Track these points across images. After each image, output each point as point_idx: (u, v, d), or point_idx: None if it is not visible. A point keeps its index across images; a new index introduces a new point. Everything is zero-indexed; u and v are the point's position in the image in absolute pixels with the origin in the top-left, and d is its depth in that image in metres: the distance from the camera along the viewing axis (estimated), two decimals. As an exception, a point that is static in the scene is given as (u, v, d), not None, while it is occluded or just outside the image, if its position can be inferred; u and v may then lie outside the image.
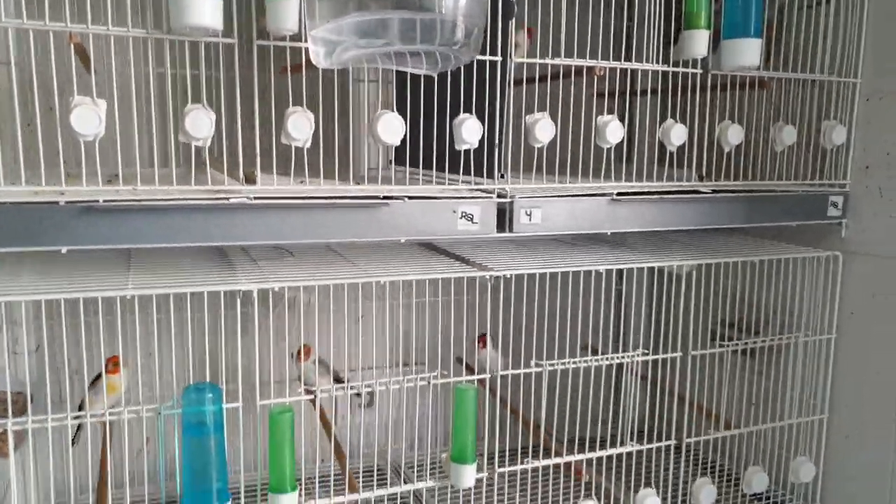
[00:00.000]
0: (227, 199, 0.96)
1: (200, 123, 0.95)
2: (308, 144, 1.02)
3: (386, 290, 1.57)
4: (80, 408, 1.18)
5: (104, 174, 0.97)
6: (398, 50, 0.84)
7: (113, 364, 1.21)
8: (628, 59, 1.23)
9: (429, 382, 1.13)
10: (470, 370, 1.43)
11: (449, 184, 1.20)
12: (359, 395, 1.14)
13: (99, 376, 1.20)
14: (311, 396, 1.06)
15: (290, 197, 1.01)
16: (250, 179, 1.04)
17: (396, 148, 1.08)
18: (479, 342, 1.45)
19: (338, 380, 1.39)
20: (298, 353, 1.37)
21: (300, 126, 0.99)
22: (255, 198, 0.98)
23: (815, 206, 1.44)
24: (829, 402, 1.52)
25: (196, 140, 0.96)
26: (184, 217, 0.95)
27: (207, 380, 1.07)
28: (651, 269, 1.36)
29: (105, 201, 0.92)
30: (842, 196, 1.46)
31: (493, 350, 1.44)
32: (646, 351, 1.32)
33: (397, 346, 1.66)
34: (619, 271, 1.77)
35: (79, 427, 1.29)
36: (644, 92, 1.63)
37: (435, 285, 1.20)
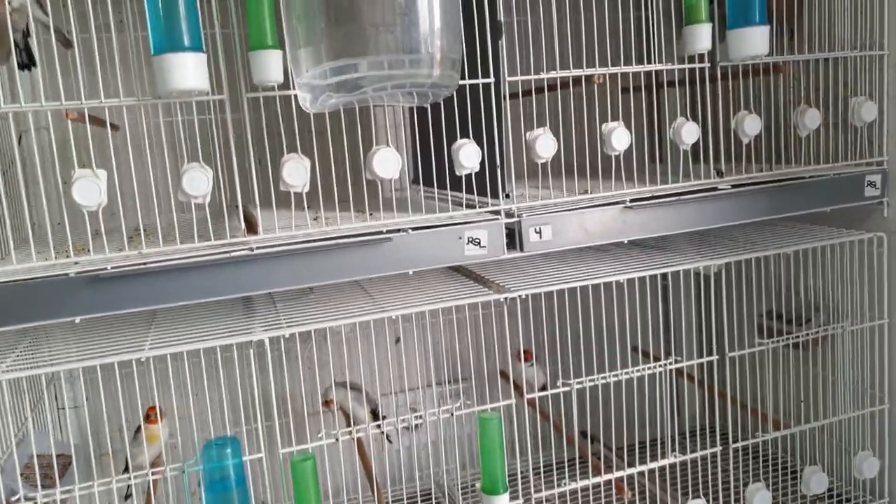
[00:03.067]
0: (229, 253, 0.97)
1: (198, 182, 0.96)
2: (307, 188, 1.03)
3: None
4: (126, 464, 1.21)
5: (129, 229, 0.99)
6: (374, 95, 0.83)
7: (154, 414, 1.25)
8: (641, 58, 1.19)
9: (452, 414, 1.11)
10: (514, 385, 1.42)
11: (466, 205, 1.18)
12: (383, 433, 1.14)
13: (139, 428, 1.23)
14: (333, 440, 1.06)
15: (292, 243, 1.01)
16: (251, 223, 1.05)
17: (419, 167, 1.07)
18: (516, 357, 1.43)
19: (374, 413, 1.40)
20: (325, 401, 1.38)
21: (295, 173, 1.00)
22: (258, 248, 0.99)
23: (850, 188, 1.37)
24: (889, 392, 1.43)
25: (195, 198, 0.97)
26: (187, 276, 0.97)
27: (246, 427, 1.08)
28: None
29: (113, 268, 0.95)
30: (879, 174, 1.37)
31: (535, 365, 1.43)
32: (678, 358, 1.27)
33: (435, 365, 1.65)
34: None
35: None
36: (672, 83, 1.57)
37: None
